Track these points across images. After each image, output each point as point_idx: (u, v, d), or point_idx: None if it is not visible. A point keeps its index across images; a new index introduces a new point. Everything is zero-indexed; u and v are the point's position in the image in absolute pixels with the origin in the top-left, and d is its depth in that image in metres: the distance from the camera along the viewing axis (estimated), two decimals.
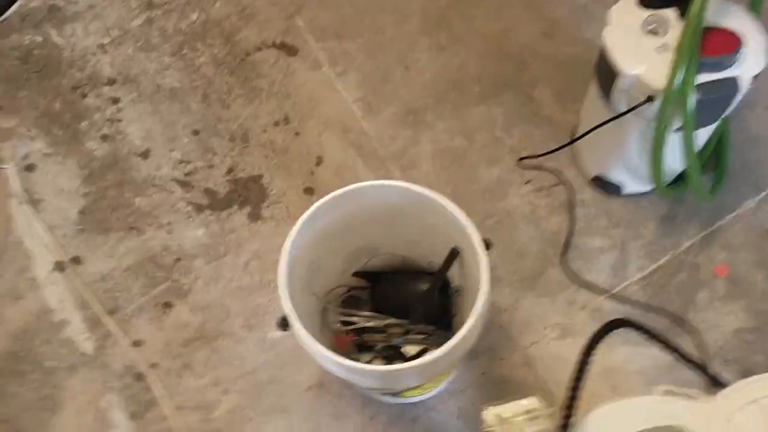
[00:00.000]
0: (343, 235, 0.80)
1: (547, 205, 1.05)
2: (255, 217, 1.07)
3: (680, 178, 0.99)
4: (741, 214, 1.02)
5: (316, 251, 0.76)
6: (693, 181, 0.87)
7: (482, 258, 0.63)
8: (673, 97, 0.78)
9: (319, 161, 1.13)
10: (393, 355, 0.83)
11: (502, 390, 0.89)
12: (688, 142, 0.83)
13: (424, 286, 0.83)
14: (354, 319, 0.84)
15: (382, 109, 1.18)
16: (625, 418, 0.50)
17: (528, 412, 0.54)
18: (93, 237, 1.07)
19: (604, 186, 1.05)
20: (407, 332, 0.79)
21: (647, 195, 1.03)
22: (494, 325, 0.95)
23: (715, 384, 0.52)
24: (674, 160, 0.90)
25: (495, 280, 0.94)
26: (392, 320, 0.83)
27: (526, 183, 1.08)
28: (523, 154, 1.11)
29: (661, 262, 0.98)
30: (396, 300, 0.85)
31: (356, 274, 0.89)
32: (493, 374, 0.91)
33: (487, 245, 0.67)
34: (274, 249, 0.99)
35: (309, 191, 1.10)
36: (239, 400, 0.93)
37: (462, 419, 0.88)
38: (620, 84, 0.84)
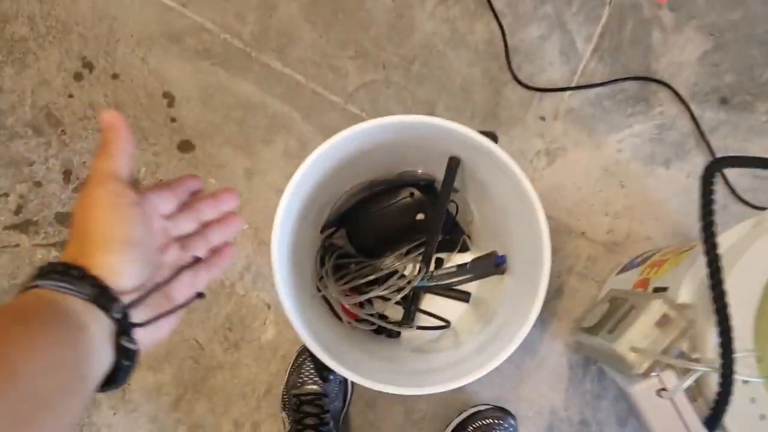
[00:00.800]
0: (317, 198, 0.64)
1: (463, 13, 0.91)
2: None
3: None
4: None
5: (296, 235, 0.63)
6: None
7: (538, 211, 0.55)
8: None
9: (169, 99, 0.90)
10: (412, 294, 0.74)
11: None
12: None
13: (407, 200, 0.74)
14: (361, 297, 0.71)
15: None
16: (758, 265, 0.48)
17: (659, 324, 0.50)
18: None
19: None
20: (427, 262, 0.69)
21: None
22: None
23: None
24: None
25: None
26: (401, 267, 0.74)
27: None
28: None
29: (603, 19, 0.93)
30: (383, 229, 0.75)
31: (325, 228, 0.74)
32: None
33: (494, 139, 0.58)
34: None
35: (186, 146, 0.86)
36: None
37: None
38: None
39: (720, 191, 0.84)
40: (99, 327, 0.30)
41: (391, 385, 0.51)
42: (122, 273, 0.32)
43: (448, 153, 0.62)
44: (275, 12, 0.89)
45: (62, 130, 0.85)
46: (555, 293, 0.82)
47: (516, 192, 0.56)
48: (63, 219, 0.84)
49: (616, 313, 0.55)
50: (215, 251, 0.42)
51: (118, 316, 0.31)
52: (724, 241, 0.51)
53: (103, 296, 0.31)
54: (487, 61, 0.88)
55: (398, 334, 0.76)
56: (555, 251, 0.84)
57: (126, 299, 0.32)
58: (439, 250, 0.78)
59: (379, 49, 0.88)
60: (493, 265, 0.61)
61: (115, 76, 0.87)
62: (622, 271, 0.79)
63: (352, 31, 0.89)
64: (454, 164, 0.61)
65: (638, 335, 0.49)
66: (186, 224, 0.40)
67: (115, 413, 0.80)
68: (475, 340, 0.61)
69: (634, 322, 0.50)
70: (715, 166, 0.46)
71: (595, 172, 0.85)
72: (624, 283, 0.75)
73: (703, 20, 0.90)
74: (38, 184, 0.84)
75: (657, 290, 0.63)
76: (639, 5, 0.90)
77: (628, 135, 0.86)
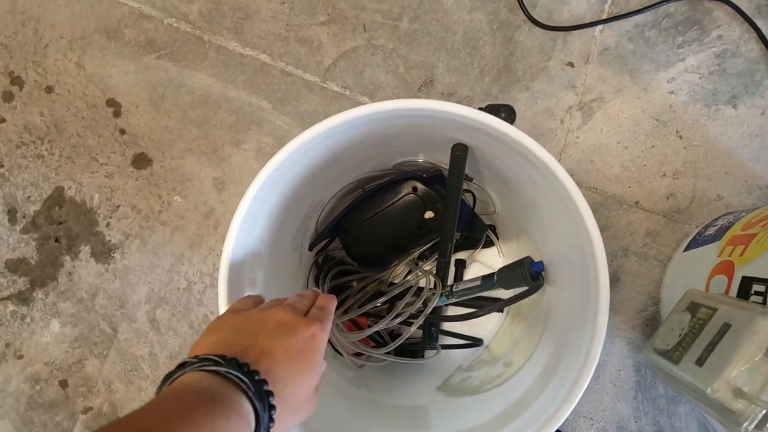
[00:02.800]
0: (293, 211, 0.53)
1: None
2: (103, 253, 0.73)
3: None
4: None
5: (266, 264, 0.52)
6: None
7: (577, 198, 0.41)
8: None
9: (115, 108, 0.77)
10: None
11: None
12: None
13: (410, 197, 0.61)
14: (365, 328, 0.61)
15: None
16: None
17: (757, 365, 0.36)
18: None
19: None
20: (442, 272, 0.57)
21: None
22: None
23: None
24: None
25: (458, 98, 0.70)
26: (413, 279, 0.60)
27: None
28: None
29: None
30: (385, 235, 0.63)
31: (314, 243, 0.62)
32: None
33: (510, 115, 0.45)
34: (164, 279, 0.71)
35: (141, 161, 0.74)
36: None
37: None
38: None
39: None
40: None
41: None
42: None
43: (453, 138, 0.49)
44: None
45: None
46: (610, 281, 0.68)
47: (546, 183, 0.43)
48: (15, 267, 0.74)
49: (703, 331, 0.41)
50: None
51: None
52: None
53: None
54: (492, 1, 0.73)
55: (420, 353, 0.64)
56: (604, 230, 0.70)
57: None
58: (459, 249, 0.65)
59: (356, 8, 0.74)
60: (527, 276, 0.48)
61: (49, 90, 0.75)
62: (690, 246, 0.65)
63: None
64: (460, 154, 0.48)
65: (743, 371, 0.36)
66: None
67: None
68: (522, 375, 0.48)
69: (734, 351, 0.37)
70: None
71: (645, 124, 0.70)
72: (696, 265, 0.61)
73: None
74: None
75: (749, 281, 0.49)
76: None
77: (681, 71, 0.70)
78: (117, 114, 0.74)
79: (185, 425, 0.27)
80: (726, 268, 0.54)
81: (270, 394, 0.33)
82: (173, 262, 0.73)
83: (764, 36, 0.69)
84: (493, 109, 0.44)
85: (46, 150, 0.75)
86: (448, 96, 0.72)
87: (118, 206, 0.74)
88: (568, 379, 0.41)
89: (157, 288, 0.73)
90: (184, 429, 0.27)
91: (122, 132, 0.74)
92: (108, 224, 0.74)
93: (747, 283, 0.49)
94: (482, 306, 0.63)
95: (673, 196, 0.69)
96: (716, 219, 0.65)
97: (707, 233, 0.63)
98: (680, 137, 0.69)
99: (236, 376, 0.31)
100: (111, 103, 0.74)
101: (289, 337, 0.36)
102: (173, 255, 0.73)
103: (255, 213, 0.46)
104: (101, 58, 0.75)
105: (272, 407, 0.33)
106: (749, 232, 0.55)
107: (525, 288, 0.49)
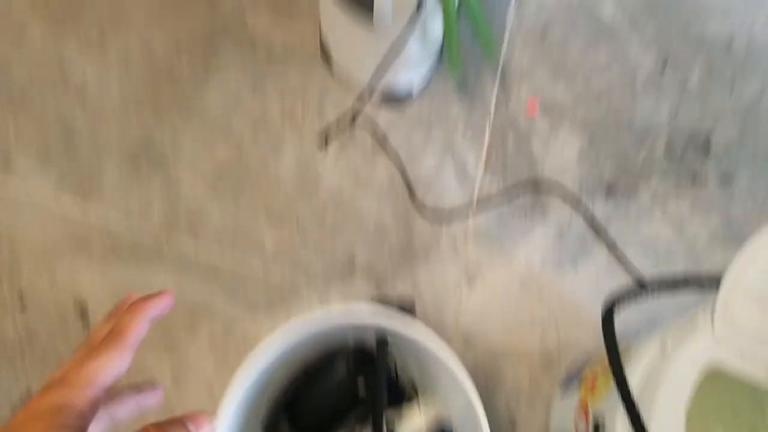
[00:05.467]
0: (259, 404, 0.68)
1: (364, 156, 0.96)
2: None
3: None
4: (512, 31, 1.06)
5: None
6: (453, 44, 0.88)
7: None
8: None
9: (82, 311, 0.88)
10: None
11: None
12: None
13: (343, 373, 0.75)
14: None
15: (93, 185, 0.92)
16: None
17: None
18: None
19: (394, 97, 1.00)
20: None
21: (429, 80, 0.97)
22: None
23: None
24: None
25: (376, 273, 0.93)
26: None
27: (324, 147, 0.98)
28: (296, 111, 0.99)
29: (487, 134, 1.01)
30: (327, 408, 0.75)
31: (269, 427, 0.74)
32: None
33: (411, 309, 0.61)
34: None
35: None
36: None
37: None
38: None
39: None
40: None
41: None
42: None
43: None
44: (167, 190, 0.92)
45: None
46: (510, 425, 0.89)
47: (447, 375, 0.60)
48: None
49: None
50: None
51: None
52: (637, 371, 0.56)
53: None
54: (394, 198, 0.94)
55: None
56: (499, 380, 0.90)
57: None
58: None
59: (289, 217, 0.93)
60: None
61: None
62: (566, 393, 0.80)
63: (260, 202, 0.93)
64: (380, 348, 0.64)
65: None
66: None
67: None
68: None
69: None
70: (609, 318, 0.52)
71: (514, 289, 0.92)
72: (568, 408, 0.76)
73: (574, 117, 0.98)
74: None
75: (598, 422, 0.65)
76: (515, 117, 0.98)
77: (533, 245, 0.93)
78: (84, 316, 0.85)
79: None
80: (584, 409, 0.69)
81: None
82: None
83: (586, 213, 0.95)
84: (401, 303, 0.60)
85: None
86: (368, 269, 0.91)
87: None
88: None
89: None
90: None
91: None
92: None
93: (598, 423, 0.66)
94: None
95: (545, 346, 0.90)
96: (575, 362, 0.85)
97: (573, 379, 0.79)
98: (540, 299, 0.92)
99: None
100: (79, 311, 0.85)
101: None
102: None
103: None
104: (70, 270, 0.86)
105: None
106: (593, 373, 0.72)
107: None
